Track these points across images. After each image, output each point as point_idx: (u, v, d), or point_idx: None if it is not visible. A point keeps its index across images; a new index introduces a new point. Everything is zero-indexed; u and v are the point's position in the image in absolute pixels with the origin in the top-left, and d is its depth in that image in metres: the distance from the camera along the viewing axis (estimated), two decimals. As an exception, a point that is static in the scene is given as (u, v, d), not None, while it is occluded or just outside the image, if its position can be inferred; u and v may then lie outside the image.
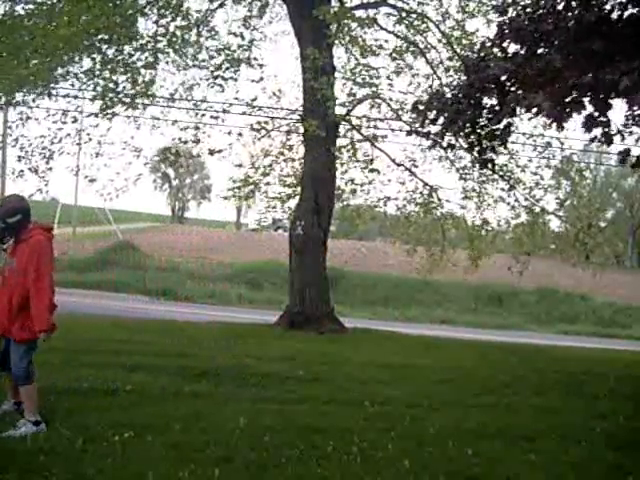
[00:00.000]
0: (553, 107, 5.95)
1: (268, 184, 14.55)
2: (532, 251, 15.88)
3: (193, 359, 7.98)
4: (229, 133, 13.07)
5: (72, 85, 12.63)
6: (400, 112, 13.05)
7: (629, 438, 5.49)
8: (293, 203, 14.15)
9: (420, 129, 8.17)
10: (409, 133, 8.54)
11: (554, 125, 6.48)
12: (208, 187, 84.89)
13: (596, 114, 6.11)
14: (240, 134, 13.35)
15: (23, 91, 12.06)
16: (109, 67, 12.06)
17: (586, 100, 6.12)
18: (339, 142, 13.75)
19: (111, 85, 11.91)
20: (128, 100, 12.11)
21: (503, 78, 6.72)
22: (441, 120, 7.70)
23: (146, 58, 12.27)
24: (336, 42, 13.17)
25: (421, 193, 15.15)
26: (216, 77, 12.39)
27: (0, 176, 25.02)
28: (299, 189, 13.84)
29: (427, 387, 7.30)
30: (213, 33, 13.30)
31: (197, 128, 12.96)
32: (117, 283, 23.50)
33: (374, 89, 12.15)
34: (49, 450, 4.04)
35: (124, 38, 11.75)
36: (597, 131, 6.35)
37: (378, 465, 4.30)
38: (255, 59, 12.74)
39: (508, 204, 14.93)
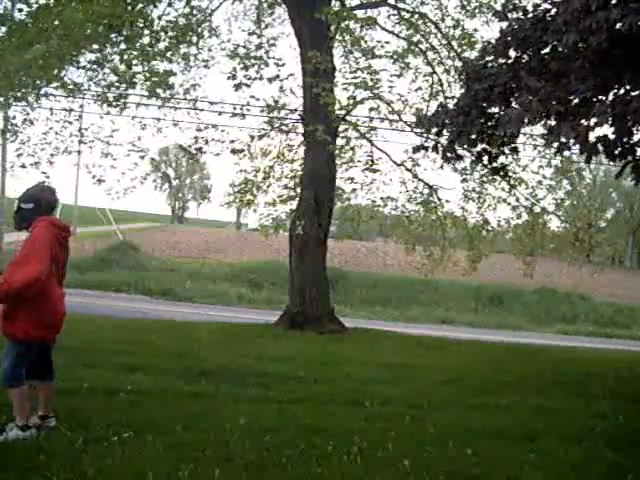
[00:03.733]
0: (583, 141, 5.80)
1: (269, 186, 14.59)
2: (533, 251, 15.89)
3: (193, 359, 7.98)
4: (252, 134, 13.31)
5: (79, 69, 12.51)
6: (401, 113, 13.08)
7: (629, 438, 5.49)
8: (294, 204, 14.17)
9: (426, 144, 8.14)
10: (416, 150, 8.49)
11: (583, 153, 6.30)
12: (208, 187, 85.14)
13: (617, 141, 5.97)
14: (261, 135, 13.48)
15: (27, 81, 11.94)
16: (124, 58, 12.01)
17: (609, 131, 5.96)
18: (339, 142, 13.77)
19: (128, 75, 11.87)
20: (146, 91, 12.11)
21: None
22: (447, 132, 7.64)
23: (166, 48, 12.26)
24: (336, 42, 13.19)
25: (421, 193, 15.16)
26: (239, 85, 12.41)
27: (0, 173, 25.02)
28: (299, 190, 13.86)
29: (427, 387, 7.30)
30: (214, 32, 13.34)
31: (214, 126, 13.09)
32: (117, 283, 23.51)
33: (375, 91, 12.14)
34: (49, 450, 4.04)
35: (134, 26, 11.68)
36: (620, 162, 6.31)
37: (378, 465, 4.30)
38: (273, 57, 12.85)
39: (509, 204, 14.94)
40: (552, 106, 5.98)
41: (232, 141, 13.29)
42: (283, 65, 12.35)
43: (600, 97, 6.08)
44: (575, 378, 8.79)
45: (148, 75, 11.73)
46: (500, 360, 10.72)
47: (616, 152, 6.03)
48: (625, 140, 5.92)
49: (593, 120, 5.76)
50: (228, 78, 12.15)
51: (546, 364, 10.56)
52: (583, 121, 5.90)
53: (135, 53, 11.84)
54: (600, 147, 5.98)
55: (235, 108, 12.67)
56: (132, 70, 11.74)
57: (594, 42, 5.55)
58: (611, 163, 7.53)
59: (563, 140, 5.99)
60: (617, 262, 50.78)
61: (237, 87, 12.00)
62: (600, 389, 7.76)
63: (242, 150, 13.51)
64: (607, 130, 5.96)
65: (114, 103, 12.17)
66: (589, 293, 29.52)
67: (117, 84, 11.94)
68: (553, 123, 6.17)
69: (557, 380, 8.57)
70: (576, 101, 6.14)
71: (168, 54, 12.27)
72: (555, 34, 6.10)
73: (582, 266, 17.13)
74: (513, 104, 6.56)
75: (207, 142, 13.09)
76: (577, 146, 5.98)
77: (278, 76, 12.46)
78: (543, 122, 6.34)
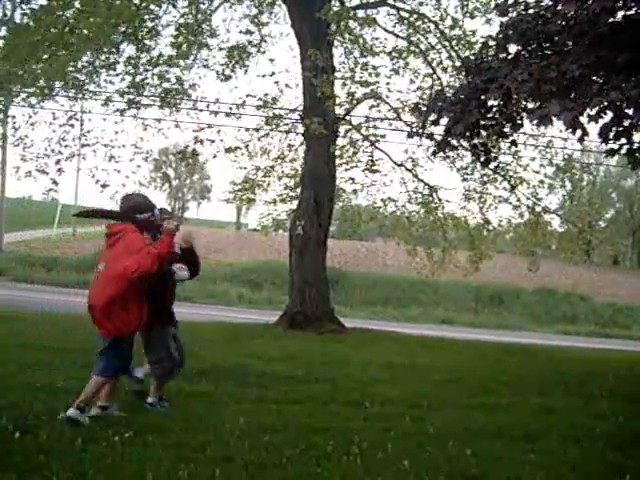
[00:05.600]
0: (572, 120, 5.78)
1: (269, 185, 14.60)
2: (534, 251, 15.90)
3: (193, 359, 7.94)
4: (247, 129, 13.34)
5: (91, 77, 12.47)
6: (400, 112, 13.09)
7: (629, 438, 5.48)
8: (294, 203, 14.19)
9: (421, 131, 8.10)
10: (410, 135, 8.46)
11: (573, 134, 6.25)
12: (208, 187, 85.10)
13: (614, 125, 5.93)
14: (257, 129, 13.54)
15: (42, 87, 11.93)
16: (132, 62, 11.98)
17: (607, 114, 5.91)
18: (339, 142, 13.77)
19: (137, 80, 11.86)
20: (158, 97, 12.13)
21: (511, 86, 6.58)
22: (443, 121, 7.62)
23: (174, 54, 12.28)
24: (336, 42, 13.21)
25: (421, 193, 15.17)
26: (227, 77, 12.47)
27: (0, 176, 25.05)
28: (299, 190, 13.88)
29: (427, 387, 7.30)
30: (213, 32, 13.36)
31: (210, 126, 13.10)
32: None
33: (373, 87, 12.16)
34: (49, 450, 4.03)
35: (144, 29, 11.69)
36: (614, 145, 6.27)
37: (378, 465, 4.30)
38: (264, 52, 12.93)
39: (510, 204, 14.95)
40: (544, 85, 5.97)
41: (222, 140, 13.32)
42: (273, 60, 12.48)
43: (593, 78, 6.07)
44: (575, 378, 8.79)
45: (158, 81, 11.75)
46: (500, 360, 10.72)
47: (610, 135, 6.01)
48: (621, 123, 5.91)
49: (591, 109, 5.76)
50: (218, 73, 12.25)
51: (546, 364, 10.56)
52: (576, 103, 5.89)
53: (145, 56, 11.86)
54: (593, 129, 5.98)
55: (231, 108, 12.72)
56: (140, 75, 11.74)
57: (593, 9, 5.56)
58: (611, 163, 7.51)
59: (550, 116, 5.96)
60: (619, 262, 50.73)
61: (224, 78, 12.15)
62: (600, 389, 7.76)
63: (238, 148, 13.50)
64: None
65: (125, 109, 12.14)
66: (589, 293, 29.54)
67: (127, 89, 11.91)
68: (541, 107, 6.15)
69: (557, 380, 8.56)
70: (570, 77, 6.11)
71: (176, 57, 12.28)
72: (556, 10, 6.12)
73: (588, 267, 17.18)
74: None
75: (202, 142, 13.09)
76: (563, 123, 5.95)
77: (273, 73, 12.58)
78: (533, 102, 6.30)
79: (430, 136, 8.08)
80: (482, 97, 7.03)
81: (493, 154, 8.47)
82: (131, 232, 4.90)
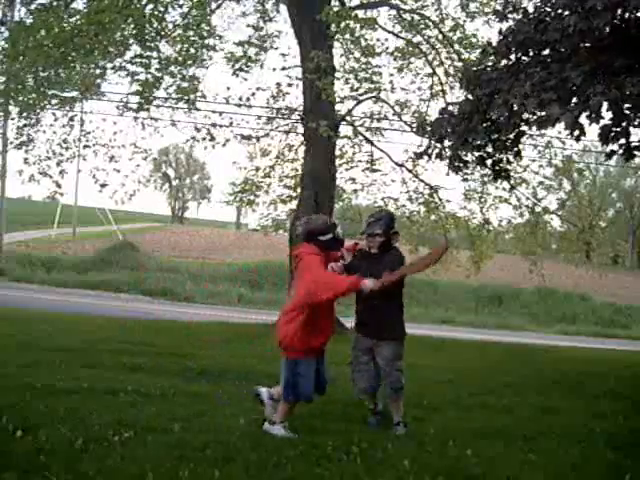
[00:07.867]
0: (572, 121, 5.79)
1: (270, 185, 14.59)
2: (533, 252, 15.90)
3: (193, 359, 7.98)
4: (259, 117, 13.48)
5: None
6: (401, 112, 13.09)
7: (629, 438, 5.49)
8: (294, 204, 14.18)
9: (430, 151, 8.09)
10: (419, 156, 8.43)
11: (572, 135, 6.25)
12: (208, 187, 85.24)
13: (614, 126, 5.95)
14: (269, 118, 13.61)
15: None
16: (142, 62, 11.95)
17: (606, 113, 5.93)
18: (339, 142, 13.76)
19: (150, 79, 11.84)
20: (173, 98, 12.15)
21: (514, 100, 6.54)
22: (449, 139, 7.59)
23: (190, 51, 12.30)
24: (336, 42, 13.20)
25: (422, 193, 15.16)
26: (239, 69, 12.56)
27: (0, 177, 25.05)
28: (299, 190, 13.87)
29: (427, 387, 7.29)
30: (212, 33, 13.33)
31: (221, 113, 13.18)
32: (117, 283, 23.52)
33: (375, 85, 12.15)
34: (49, 450, 4.03)
35: (153, 30, 11.69)
36: (614, 145, 6.28)
37: (378, 465, 4.30)
38: (276, 48, 12.99)
39: (510, 204, 14.94)
40: (546, 94, 5.98)
41: (232, 130, 13.28)
42: (286, 55, 12.51)
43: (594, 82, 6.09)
44: (575, 378, 8.79)
45: (177, 82, 11.75)
46: (500, 360, 10.72)
47: (610, 135, 6.02)
48: (620, 124, 5.92)
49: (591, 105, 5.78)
50: (229, 61, 12.30)
51: (546, 364, 10.56)
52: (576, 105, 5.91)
53: (154, 55, 11.83)
54: (591, 128, 6.00)
55: (241, 98, 12.76)
56: (152, 74, 11.71)
57: (596, 24, 5.58)
58: (611, 163, 7.52)
59: (552, 119, 5.97)
60: (620, 263, 50.76)
61: (238, 70, 12.23)
62: (600, 389, 7.76)
63: (250, 137, 13.53)
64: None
65: (139, 108, 12.12)
66: (589, 293, 29.52)
67: (140, 90, 11.88)
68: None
69: (557, 380, 8.56)
70: (570, 85, 6.13)
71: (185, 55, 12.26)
72: (557, 20, 6.12)
73: (588, 267, 17.17)
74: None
75: (214, 126, 13.03)
76: (563, 124, 5.97)
77: (284, 68, 12.63)
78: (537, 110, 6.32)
79: (439, 155, 8.07)
80: (485, 111, 6.99)
81: (503, 166, 8.48)
82: (306, 254, 5.05)
